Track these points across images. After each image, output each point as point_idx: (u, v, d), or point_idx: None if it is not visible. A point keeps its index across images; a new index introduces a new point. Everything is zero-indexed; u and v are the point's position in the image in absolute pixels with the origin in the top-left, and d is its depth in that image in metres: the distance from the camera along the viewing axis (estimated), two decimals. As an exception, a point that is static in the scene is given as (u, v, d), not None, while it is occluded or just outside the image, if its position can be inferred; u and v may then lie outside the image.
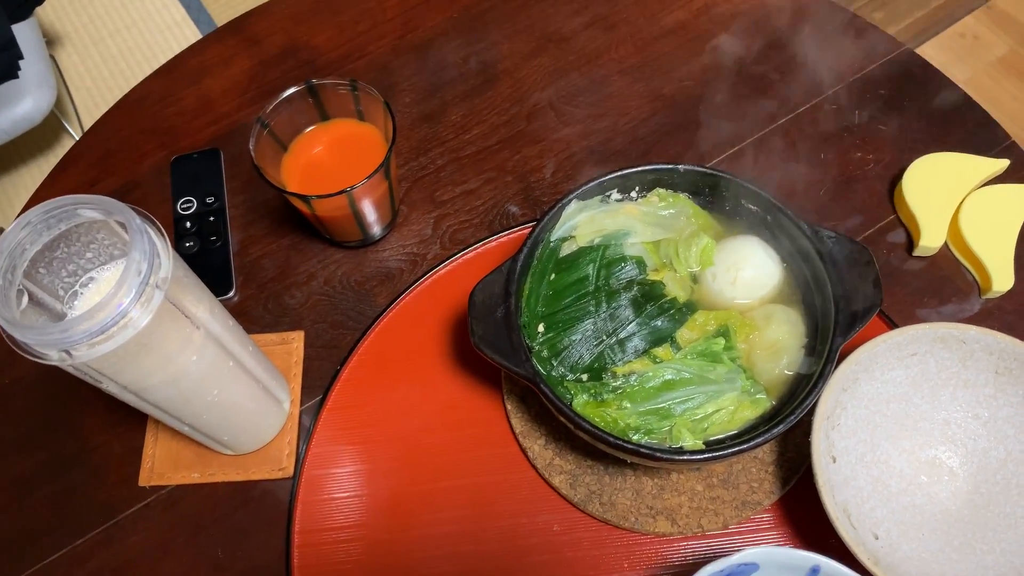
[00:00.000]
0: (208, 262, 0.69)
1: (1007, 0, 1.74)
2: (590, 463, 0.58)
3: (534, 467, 0.59)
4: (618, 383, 0.53)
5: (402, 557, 0.57)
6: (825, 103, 0.74)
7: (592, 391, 0.53)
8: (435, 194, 0.72)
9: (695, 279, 0.58)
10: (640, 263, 0.58)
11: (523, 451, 0.59)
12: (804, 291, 0.56)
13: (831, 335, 0.51)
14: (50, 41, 1.84)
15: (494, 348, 0.52)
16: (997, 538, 0.53)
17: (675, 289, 0.57)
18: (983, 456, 0.56)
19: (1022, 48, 1.68)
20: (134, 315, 0.40)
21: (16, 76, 1.32)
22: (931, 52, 1.69)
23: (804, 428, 0.53)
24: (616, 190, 0.59)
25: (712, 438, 0.52)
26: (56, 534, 0.59)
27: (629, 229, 0.58)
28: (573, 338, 0.55)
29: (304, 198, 0.59)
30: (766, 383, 0.53)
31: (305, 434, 0.62)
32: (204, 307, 0.48)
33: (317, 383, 0.64)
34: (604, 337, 0.55)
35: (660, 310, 0.56)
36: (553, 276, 0.57)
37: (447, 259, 0.69)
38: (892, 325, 0.63)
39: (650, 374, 0.53)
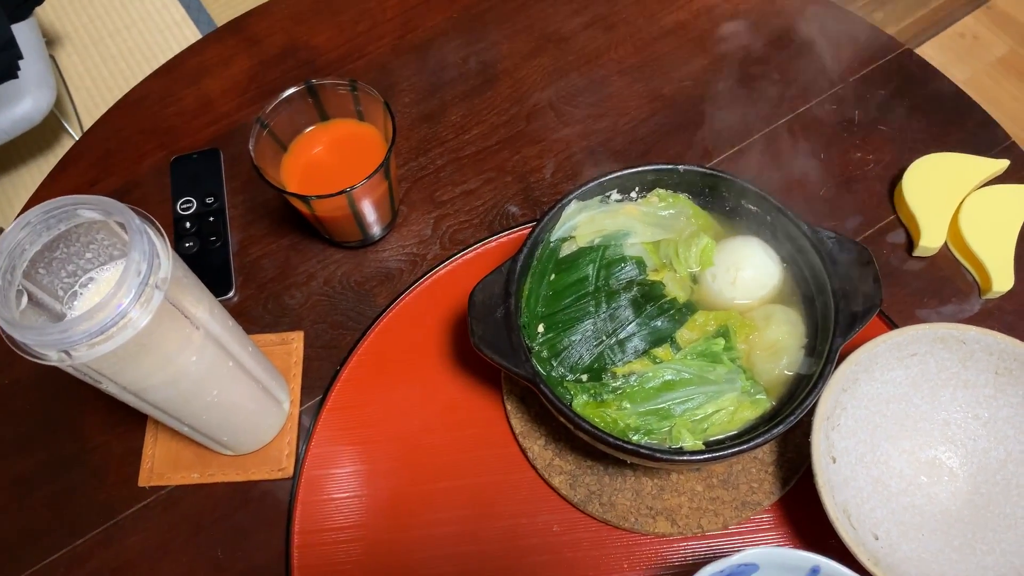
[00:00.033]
0: (208, 262, 0.69)
1: (1007, 0, 1.74)
2: (590, 463, 0.58)
3: (534, 467, 0.59)
4: (618, 383, 0.53)
5: (402, 557, 0.57)
6: (825, 103, 0.74)
7: (592, 391, 0.53)
8: (435, 194, 0.72)
9: (695, 279, 0.58)
10: (640, 263, 0.58)
11: (523, 451, 0.59)
12: (804, 291, 0.56)
13: (831, 335, 0.51)
14: (50, 41, 1.84)
15: (494, 348, 0.52)
16: (997, 538, 0.53)
17: (675, 289, 0.57)
18: (983, 456, 0.56)
19: (1022, 48, 1.68)
20: (133, 315, 0.40)
21: (16, 76, 1.32)
22: (931, 52, 1.69)
23: (804, 428, 0.53)
24: (616, 190, 0.59)
25: (712, 438, 0.52)
26: (56, 534, 0.59)
27: (629, 229, 0.58)
28: (573, 338, 0.55)
29: (304, 198, 0.59)
30: (766, 383, 0.53)
31: (305, 434, 0.62)
32: (204, 307, 0.48)
33: (317, 383, 0.64)
34: (604, 337, 0.55)
35: (660, 310, 0.56)
36: (553, 276, 0.57)
37: (447, 259, 0.69)
38: (892, 325, 0.63)
39: (650, 374, 0.53)
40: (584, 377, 0.54)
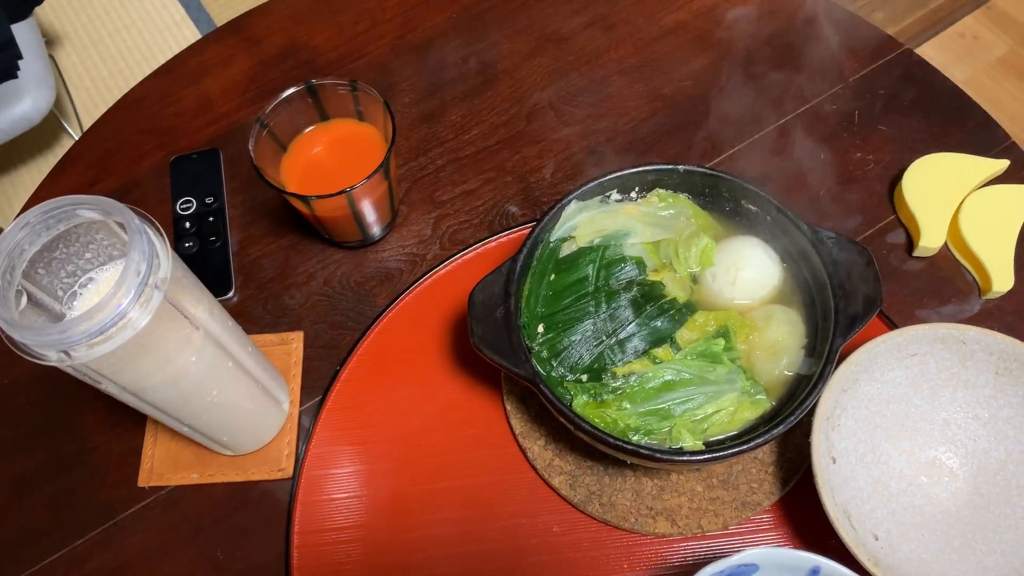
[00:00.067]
0: (207, 262, 0.69)
1: (1007, 0, 1.74)
2: (590, 464, 0.58)
3: (534, 468, 0.59)
4: (618, 384, 0.53)
5: (402, 557, 0.57)
6: (825, 103, 0.74)
7: (592, 392, 0.53)
8: (435, 194, 0.72)
9: (695, 279, 0.57)
10: (640, 263, 0.58)
11: (523, 452, 0.59)
12: (804, 291, 0.56)
13: (831, 335, 0.51)
14: (49, 41, 1.84)
15: (494, 348, 0.52)
16: (997, 539, 0.53)
17: (675, 289, 0.56)
18: (983, 457, 0.55)
19: (1022, 48, 1.68)
20: (133, 316, 0.40)
21: (15, 76, 1.32)
22: (931, 52, 1.69)
23: (804, 429, 0.53)
24: (616, 190, 0.59)
25: (712, 439, 0.52)
26: (55, 534, 0.59)
27: (629, 229, 0.58)
28: (573, 339, 0.55)
29: (303, 198, 0.59)
30: (766, 384, 0.53)
31: (304, 435, 0.62)
32: (203, 307, 0.48)
33: (317, 384, 0.64)
34: (604, 338, 0.55)
35: (660, 311, 0.56)
36: (553, 276, 0.57)
37: (447, 259, 0.69)
38: (892, 326, 0.63)
39: (650, 375, 0.53)
40: (584, 377, 0.54)
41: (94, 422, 0.63)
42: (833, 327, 0.52)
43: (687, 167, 0.58)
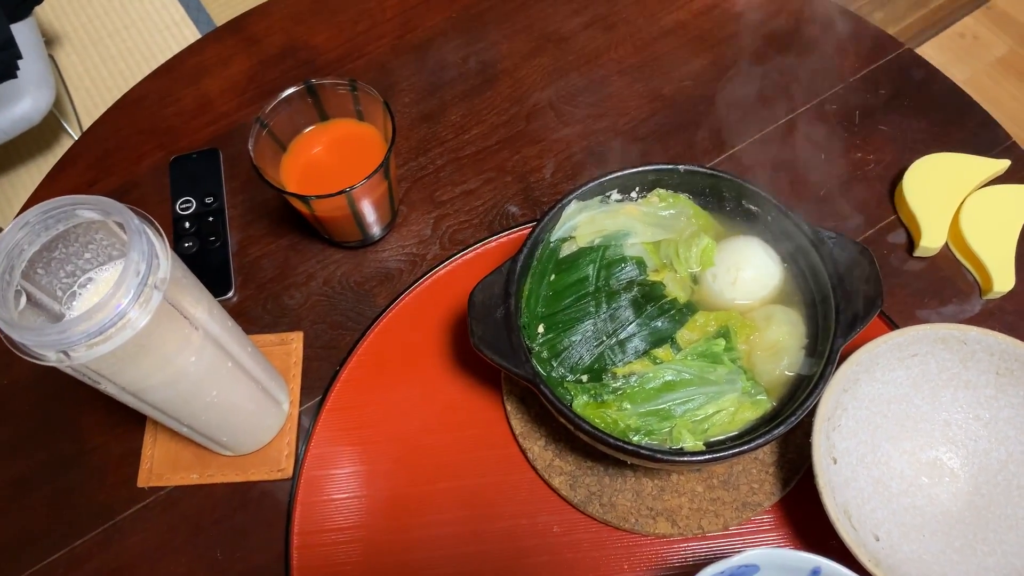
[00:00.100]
0: (207, 262, 0.69)
1: (1007, 0, 1.74)
2: (590, 464, 0.58)
3: (534, 468, 0.59)
4: (618, 384, 0.53)
5: (401, 558, 0.57)
6: (825, 103, 0.74)
7: (592, 392, 0.53)
8: (435, 194, 0.72)
9: (695, 280, 0.57)
10: (640, 264, 0.57)
11: (523, 452, 0.59)
12: (804, 292, 0.56)
13: (832, 336, 0.51)
14: (49, 41, 1.84)
15: (494, 349, 0.52)
16: (998, 539, 0.52)
17: (675, 290, 0.56)
18: (984, 457, 0.55)
19: (1022, 48, 1.68)
20: (132, 316, 0.40)
21: (15, 76, 1.32)
22: (931, 52, 1.68)
23: (805, 429, 0.53)
24: (616, 190, 0.59)
25: (712, 439, 0.52)
26: (55, 535, 0.59)
27: (629, 229, 0.58)
28: (573, 339, 0.55)
29: (303, 198, 0.59)
30: (766, 384, 0.53)
31: (304, 435, 0.61)
32: (203, 308, 0.48)
33: (316, 384, 0.64)
34: (604, 338, 0.55)
35: (660, 311, 0.55)
36: (553, 277, 0.57)
37: (447, 259, 0.68)
38: (893, 326, 0.63)
39: (650, 375, 0.53)
40: (584, 378, 0.54)
41: (93, 422, 0.63)
42: (834, 327, 0.52)
43: (688, 167, 0.58)
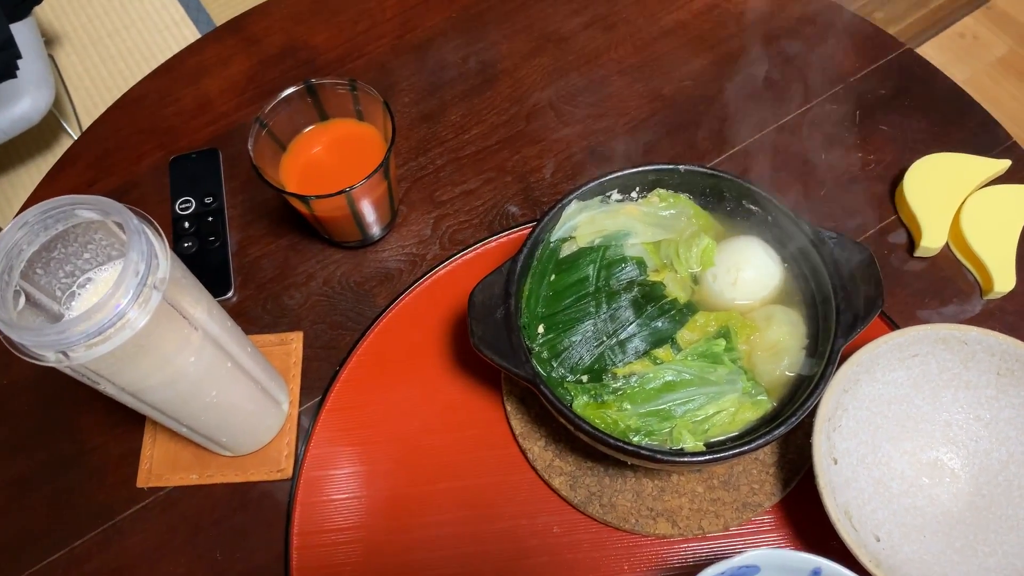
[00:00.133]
0: (206, 262, 0.69)
1: (1007, 0, 1.74)
2: (590, 464, 0.58)
3: (534, 469, 0.59)
4: (618, 384, 0.53)
5: (401, 558, 0.57)
6: (825, 103, 0.74)
7: (592, 392, 0.53)
8: (434, 194, 0.72)
9: (696, 280, 0.57)
10: (640, 264, 0.57)
11: (523, 452, 0.59)
12: (805, 292, 0.56)
13: (832, 336, 0.51)
14: (49, 41, 1.83)
15: (494, 349, 0.52)
16: (999, 540, 0.52)
17: (676, 290, 0.56)
18: (985, 458, 0.55)
19: (1022, 48, 1.68)
20: (132, 316, 0.40)
21: (14, 76, 1.32)
22: (931, 52, 1.68)
23: (805, 430, 0.53)
24: (616, 190, 0.59)
25: (713, 440, 0.52)
26: (54, 535, 0.59)
27: (629, 230, 0.58)
28: (573, 339, 0.55)
29: (303, 198, 0.59)
30: (767, 384, 0.53)
31: (304, 435, 0.61)
32: (202, 308, 0.48)
33: (316, 384, 0.63)
34: (604, 338, 0.55)
35: (660, 311, 0.55)
36: (553, 277, 0.57)
37: (447, 259, 0.68)
38: (893, 326, 0.63)
39: (650, 375, 0.53)
40: (584, 378, 0.54)
41: (93, 423, 0.63)
42: (834, 328, 0.51)
43: (688, 167, 0.58)
